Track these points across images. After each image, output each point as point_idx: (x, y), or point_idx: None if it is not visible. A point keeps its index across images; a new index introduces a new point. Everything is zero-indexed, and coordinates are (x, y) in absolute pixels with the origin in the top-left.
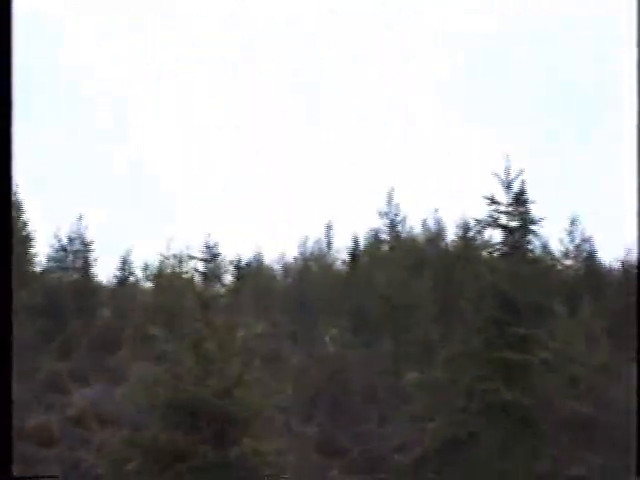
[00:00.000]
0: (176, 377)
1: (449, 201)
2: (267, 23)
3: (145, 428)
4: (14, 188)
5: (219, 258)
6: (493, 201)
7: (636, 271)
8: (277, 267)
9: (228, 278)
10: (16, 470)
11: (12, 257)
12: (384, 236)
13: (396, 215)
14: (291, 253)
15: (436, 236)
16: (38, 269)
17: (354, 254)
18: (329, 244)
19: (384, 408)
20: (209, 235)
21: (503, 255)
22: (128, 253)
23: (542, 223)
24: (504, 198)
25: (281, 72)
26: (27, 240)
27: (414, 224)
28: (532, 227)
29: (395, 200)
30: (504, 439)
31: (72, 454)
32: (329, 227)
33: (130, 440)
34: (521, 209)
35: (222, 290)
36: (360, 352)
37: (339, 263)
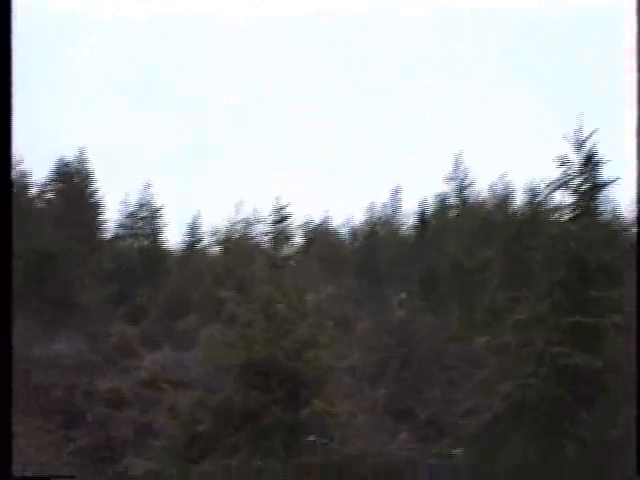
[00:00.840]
0: (248, 339)
1: (517, 165)
2: None
3: (216, 390)
4: (84, 155)
5: (288, 221)
6: (565, 162)
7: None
8: (344, 231)
9: (297, 241)
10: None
11: (12, 255)
12: (452, 201)
13: (463, 180)
14: (358, 217)
15: (504, 200)
16: (108, 236)
17: (422, 219)
18: (396, 209)
19: (453, 373)
20: (278, 198)
21: (574, 218)
22: (196, 219)
23: (614, 185)
24: (576, 159)
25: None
26: (97, 207)
27: (482, 188)
28: (603, 189)
29: (463, 164)
30: (575, 404)
31: (144, 416)
32: (397, 191)
33: (202, 401)
34: (592, 171)
35: (291, 253)
36: (429, 317)
37: (406, 228)
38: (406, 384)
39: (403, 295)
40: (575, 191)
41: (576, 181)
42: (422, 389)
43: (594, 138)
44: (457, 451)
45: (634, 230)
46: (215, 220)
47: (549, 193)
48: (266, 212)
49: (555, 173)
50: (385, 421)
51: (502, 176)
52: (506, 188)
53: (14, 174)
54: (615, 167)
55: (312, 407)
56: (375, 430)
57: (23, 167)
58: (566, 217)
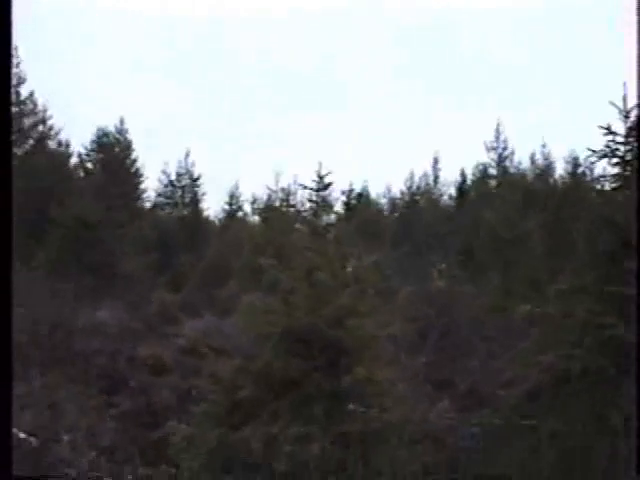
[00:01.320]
0: (288, 306)
1: (557, 135)
2: None
3: (257, 357)
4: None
5: (329, 188)
6: (610, 131)
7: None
8: (384, 201)
9: (338, 209)
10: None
11: (12, 252)
12: (492, 171)
13: (504, 149)
14: (398, 186)
15: (545, 170)
16: (148, 204)
17: (462, 189)
18: (436, 178)
19: (493, 343)
20: (320, 165)
21: (617, 188)
22: (236, 187)
23: None
24: (621, 128)
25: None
26: (136, 176)
27: (522, 158)
28: None
29: (503, 134)
30: (618, 374)
31: (184, 382)
32: (436, 161)
33: (242, 368)
34: (637, 140)
35: (332, 220)
36: (469, 287)
37: (446, 198)
38: (445, 353)
39: (443, 266)
40: (620, 160)
41: (620, 150)
42: (462, 359)
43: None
44: (497, 421)
45: None
46: (255, 188)
47: (593, 162)
48: (306, 180)
49: (598, 142)
50: (425, 389)
51: (543, 146)
52: (547, 158)
53: (53, 144)
54: None
55: (353, 375)
56: (415, 398)
57: (63, 136)
58: (609, 187)
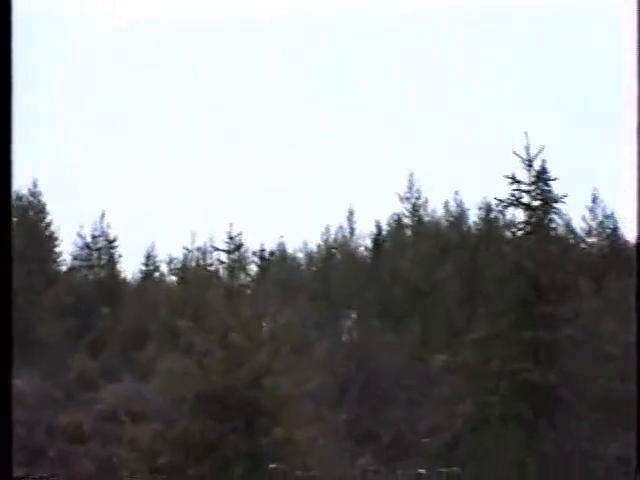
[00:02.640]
0: (205, 369)
1: (470, 182)
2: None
3: (175, 421)
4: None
5: (242, 249)
6: (515, 180)
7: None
8: (301, 256)
9: (252, 268)
10: (46, 467)
11: (12, 251)
12: (406, 220)
13: (417, 199)
14: (314, 241)
15: (458, 218)
16: (64, 268)
17: (377, 240)
18: (352, 231)
19: (413, 392)
20: (231, 226)
21: (526, 234)
22: (152, 248)
23: (564, 200)
24: (526, 177)
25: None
26: (51, 239)
27: (436, 207)
28: (554, 205)
29: (416, 184)
30: (535, 419)
31: (105, 450)
32: (351, 214)
33: (160, 434)
34: (543, 187)
35: (247, 280)
36: (387, 338)
37: (362, 250)
38: (367, 405)
39: (354, 315)
40: (527, 207)
41: (527, 198)
42: (383, 410)
43: (543, 155)
44: (422, 470)
45: (590, 240)
46: (170, 249)
47: (501, 210)
48: (221, 239)
49: (506, 190)
50: (347, 444)
51: (455, 193)
52: (460, 206)
53: None
54: (565, 183)
55: (272, 435)
56: (338, 454)
57: None
58: (519, 233)
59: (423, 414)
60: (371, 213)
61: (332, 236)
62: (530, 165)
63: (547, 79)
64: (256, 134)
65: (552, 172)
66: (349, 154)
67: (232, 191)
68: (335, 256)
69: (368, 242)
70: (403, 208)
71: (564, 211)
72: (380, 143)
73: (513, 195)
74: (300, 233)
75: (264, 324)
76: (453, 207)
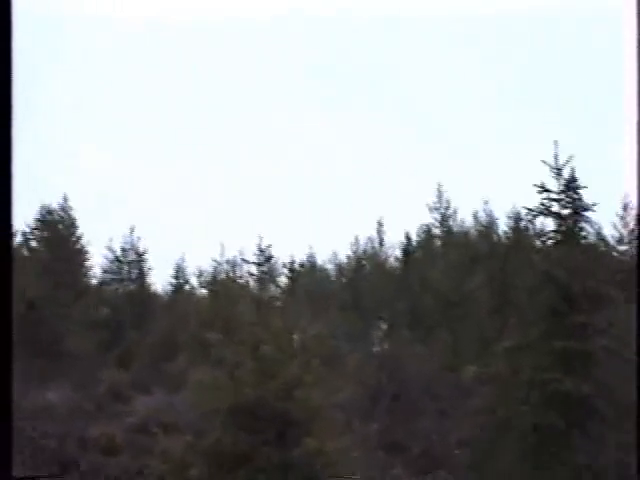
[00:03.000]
0: (236, 381)
1: (500, 192)
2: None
3: (206, 433)
4: (68, 204)
5: (272, 260)
6: (544, 189)
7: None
8: (330, 267)
9: (282, 280)
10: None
11: (12, 252)
12: (436, 231)
13: (447, 209)
14: (343, 252)
15: (488, 228)
16: (94, 281)
17: (407, 250)
18: (381, 241)
19: (443, 403)
20: (261, 238)
21: (556, 243)
22: (182, 261)
23: (594, 209)
24: (555, 185)
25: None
26: (81, 253)
27: (465, 217)
28: (584, 213)
29: (445, 194)
30: (568, 429)
31: (136, 461)
32: (380, 224)
33: (192, 446)
34: (572, 196)
35: (277, 292)
36: (417, 348)
37: (392, 260)
38: (397, 416)
39: (384, 326)
40: (556, 216)
41: (556, 207)
42: (414, 421)
43: (572, 163)
44: None
45: (621, 248)
46: (201, 261)
47: (531, 220)
48: (251, 252)
49: (536, 199)
50: (378, 455)
51: (485, 203)
52: (489, 215)
53: None
54: (596, 191)
55: (303, 446)
56: (368, 465)
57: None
58: (549, 242)
59: (454, 425)
60: (400, 224)
61: (361, 247)
62: (559, 173)
63: (572, 84)
64: (285, 145)
65: (582, 179)
66: (377, 165)
67: (261, 202)
68: (365, 267)
69: (398, 252)
70: (432, 218)
71: (594, 219)
72: (408, 154)
73: (543, 204)
74: (329, 244)
75: (295, 336)
76: (482, 217)
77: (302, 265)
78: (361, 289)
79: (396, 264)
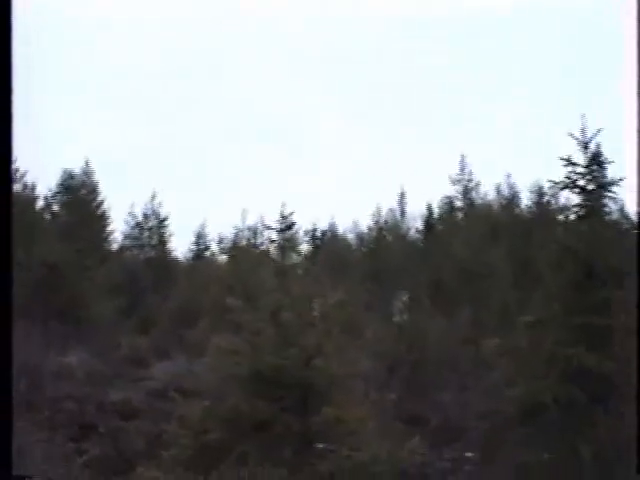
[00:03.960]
0: (255, 347)
1: (522, 165)
2: None
3: (225, 399)
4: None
5: (294, 227)
6: (570, 162)
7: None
8: (351, 236)
9: (304, 247)
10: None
11: (12, 253)
12: (458, 203)
13: (469, 181)
14: (365, 222)
15: (510, 201)
16: (115, 247)
17: (428, 222)
18: (403, 212)
19: (463, 376)
20: (283, 205)
21: (580, 218)
22: (202, 227)
23: (620, 184)
24: (581, 159)
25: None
26: (103, 218)
27: (488, 190)
28: (610, 189)
29: (468, 166)
30: (589, 404)
31: (155, 426)
32: (402, 195)
33: (210, 411)
34: (598, 170)
35: (298, 260)
36: (437, 319)
37: (413, 232)
38: (416, 388)
39: (405, 297)
40: (581, 191)
41: (582, 181)
42: (432, 393)
43: (599, 138)
44: (470, 454)
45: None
46: (221, 228)
47: (554, 194)
48: (272, 219)
49: (560, 173)
50: (396, 426)
51: (507, 176)
52: (512, 189)
53: (19, 187)
54: (620, 167)
55: (322, 415)
56: (386, 436)
57: (28, 179)
58: (573, 217)
59: (473, 398)
60: (422, 195)
61: (383, 217)
62: (586, 147)
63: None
64: (307, 119)
65: (607, 156)
66: (399, 136)
67: (284, 170)
68: (386, 237)
69: (419, 224)
70: (455, 190)
71: (620, 195)
72: (431, 126)
73: (568, 177)
74: (351, 213)
75: (315, 304)
76: (505, 190)
77: (324, 233)
78: (382, 259)
79: (418, 235)
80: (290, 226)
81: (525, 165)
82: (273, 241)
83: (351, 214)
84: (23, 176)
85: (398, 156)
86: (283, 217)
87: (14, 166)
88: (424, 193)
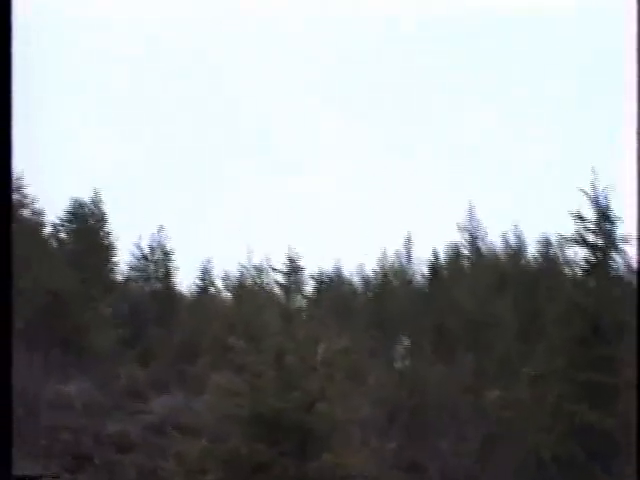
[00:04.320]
0: (257, 389)
1: (529, 216)
2: None
3: (224, 439)
4: (99, 198)
5: (300, 271)
6: (580, 217)
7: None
8: (357, 280)
9: (308, 291)
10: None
11: (12, 253)
12: (464, 251)
13: (477, 229)
14: (371, 266)
15: (517, 252)
16: (120, 278)
17: (434, 268)
18: (409, 257)
19: (463, 425)
20: (291, 248)
21: (587, 273)
22: (208, 262)
23: (629, 241)
24: (590, 214)
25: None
26: (110, 249)
27: (494, 239)
28: (618, 245)
29: (476, 214)
30: (588, 462)
31: (150, 461)
32: (409, 240)
33: (209, 451)
34: (607, 226)
35: (302, 303)
36: (439, 367)
37: (419, 277)
38: (415, 435)
39: (407, 342)
40: (590, 246)
41: (591, 236)
42: (431, 441)
43: (608, 194)
44: None
45: None
46: (227, 265)
47: (562, 247)
48: (278, 259)
49: (569, 226)
50: (394, 473)
51: (515, 226)
52: (518, 239)
53: (27, 212)
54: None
55: (321, 460)
56: None
57: (37, 206)
58: (580, 272)
59: (472, 448)
60: (428, 240)
61: (389, 261)
62: (597, 203)
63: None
64: (316, 157)
65: (616, 212)
66: (409, 179)
67: (289, 211)
68: (391, 282)
69: (425, 269)
70: (461, 238)
71: (627, 252)
72: (440, 172)
73: (578, 232)
74: (356, 256)
75: (319, 349)
76: (512, 240)
77: (329, 278)
78: (387, 305)
79: (423, 280)
80: (296, 269)
81: (532, 215)
82: (279, 283)
83: (356, 256)
84: (32, 202)
85: (405, 199)
86: (290, 260)
87: (23, 192)
88: (430, 238)
